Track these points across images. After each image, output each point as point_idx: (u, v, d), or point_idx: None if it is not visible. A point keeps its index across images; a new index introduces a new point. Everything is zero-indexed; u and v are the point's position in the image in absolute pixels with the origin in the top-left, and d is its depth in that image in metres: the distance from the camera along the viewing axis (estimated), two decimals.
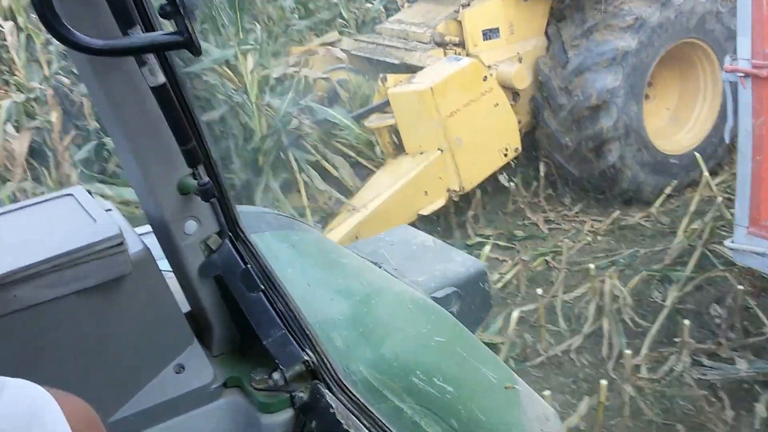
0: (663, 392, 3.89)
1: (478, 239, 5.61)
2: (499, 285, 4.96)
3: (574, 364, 4.23)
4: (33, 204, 1.53)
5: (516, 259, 5.28)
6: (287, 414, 1.45)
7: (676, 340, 4.11)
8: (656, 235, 5.42)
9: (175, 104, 1.26)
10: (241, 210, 1.57)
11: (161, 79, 1.22)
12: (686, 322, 3.99)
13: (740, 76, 3.75)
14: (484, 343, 3.78)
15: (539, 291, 4.43)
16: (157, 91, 1.23)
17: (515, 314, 4.25)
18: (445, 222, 5.71)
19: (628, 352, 3.92)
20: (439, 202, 5.34)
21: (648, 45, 5.42)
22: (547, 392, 3.59)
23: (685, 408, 3.78)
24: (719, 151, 5.97)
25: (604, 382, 3.49)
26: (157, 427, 1.44)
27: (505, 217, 5.96)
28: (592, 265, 4.64)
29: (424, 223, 5.26)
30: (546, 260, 5.30)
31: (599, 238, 5.54)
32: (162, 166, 1.37)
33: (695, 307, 4.45)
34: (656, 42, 5.46)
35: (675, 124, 6.16)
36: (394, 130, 5.57)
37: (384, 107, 5.66)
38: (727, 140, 4.40)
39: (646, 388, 3.91)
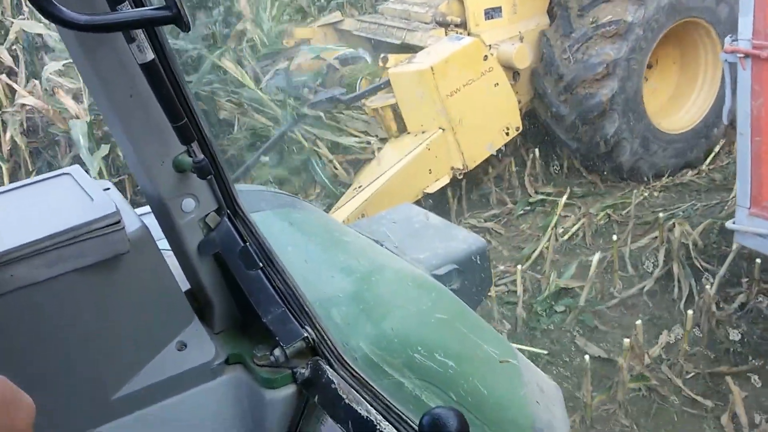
0: (738, 324, 4.17)
1: (540, 196, 5.86)
2: (566, 237, 5.30)
3: (647, 305, 4.54)
4: (30, 183, 1.52)
5: (579, 214, 5.50)
6: (290, 389, 1.46)
7: (745, 280, 4.36)
8: (710, 191, 5.65)
9: (165, 81, 1.24)
10: (241, 189, 1.56)
11: (150, 55, 1.20)
12: (758, 260, 4.20)
13: (740, 57, 3.73)
14: (560, 288, 3.84)
15: (614, 237, 4.83)
16: (147, 68, 1.21)
17: (596, 258, 4.66)
18: (508, 182, 5.99)
19: (708, 288, 4.21)
20: (444, 180, 5.33)
21: (652, 21, 5.38)
22: (638, 321, 4.01)
23: (761, 337, 4.05)
24: (717, 131, 5.98)
25: (690, 312, 3.92)
26: (161, 404, 1.44)
27: (562, 177, 6.16)
28: (661, 214, 5.02)
29: (491, 182, 5.73)
30: (608, 214, 5.51)
31: (656, 194, 5.78)
32: (156, 144, 1.36)
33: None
34: (660, 19, 5.42)
35: (675, 103, 6.13)
36: (395, 109, 5.56)
37: (380, 88, 5.64)
38: (725, 121, 4.39)
39: (722, 319, 4.21)
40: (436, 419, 0.84)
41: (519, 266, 4.78)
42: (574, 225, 5.42)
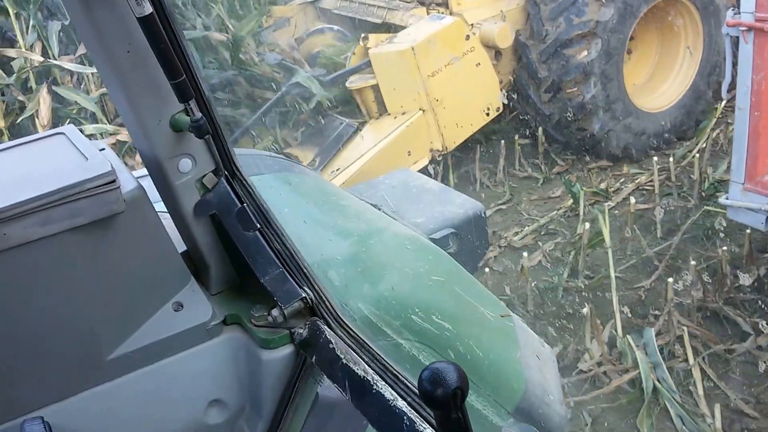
0: None
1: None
2: None
3: None
4: (24, 143, 1.49)
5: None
6: (287, 350, 1.46)
7: None
8: None
9: (163, 36, 1.22)
10: (240, 152, 1.55)
11: (148, 8, 1.17)
12: None
13: (743, 30, 3.70)
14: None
15: None
16: (144, 21, 1.19)
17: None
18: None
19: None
20: (423, 162, 5.33)
21: None
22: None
23: None
24: (699, 106, 6.05)
25: None
26: (158, 364, 1.44)
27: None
28: None
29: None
30: None
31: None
32: (153, 102, 1.34)
33: None
34: None
35: (654, 80, 6.18)
36: (376, 90, 5.53)
37: (360, 69, 5.61)
38: (723, 97, 4.38)
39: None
40: (436, 373, 0.85)
41: None
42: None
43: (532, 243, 5.13)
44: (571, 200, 5.40)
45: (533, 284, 4.52)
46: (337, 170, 5.11)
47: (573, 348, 4.02)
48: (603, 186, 5.65)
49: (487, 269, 4.60)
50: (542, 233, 5.27)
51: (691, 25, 5.91)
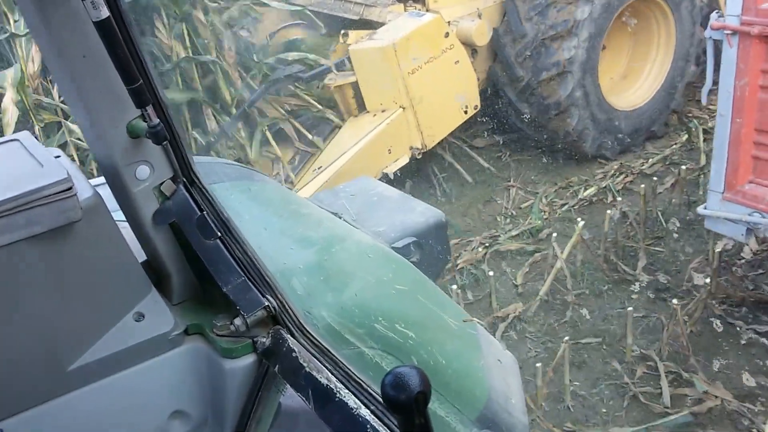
0: None
1: None
2: None
3: None
4: None
5: None
6: (250, 359, 1.44)
7: None
8: None
9: (120, 41, 1.20)
10: (200, 161, 1.53)
11: (105, 12, 1.15)
12: None
13: (727, 34, 3.59)
14: None
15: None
16: (101, 26, 1.17)
17: None
18: None
19: None
20: (403, 160, 5.33)
21: None
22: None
23: None
24: (669, 107, 6.10)
25: None
26: (119, 375, 1.42)
27: None
28: None
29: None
30: None
31: None
32: (109, 107, 1.32)
33: None
34: None
35: (627, 80, 6.21)
36: (356, 87, 5.51)
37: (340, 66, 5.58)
38: (703, 101, 4.30)
39: None
40: (399, 377, 0.85)
41: None
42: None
43: None
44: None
45: None
46: (319, 168, 5.09)
47: None
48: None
49: None
50: None
51: (664, 25, 5.95)
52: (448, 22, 5.44)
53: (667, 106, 6.11)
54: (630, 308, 3.91)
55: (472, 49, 5.69)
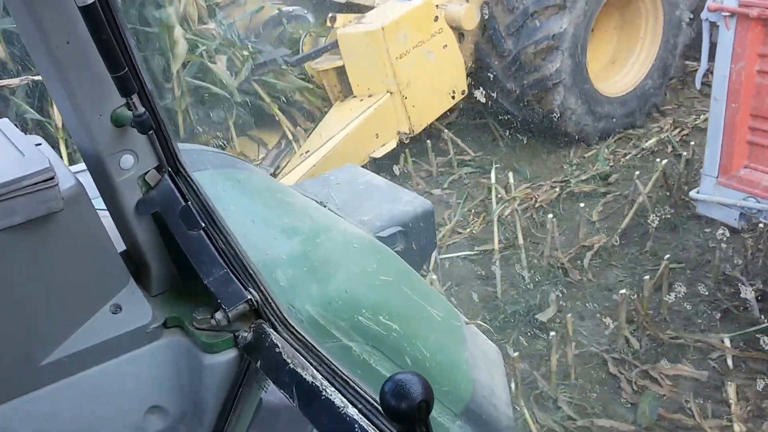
0: None
1: None
2: None
3: None
4: None
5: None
6: (231, 354, 1.42)
7: None
8: None
9: (105, 27, 1.17)
10: (183, 148, 1.50)
11: None
12: None
13: (724, 16, 3.52)
14: None
15: None
16: (86, 11, 1.14)
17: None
18: None
19: None
20: (391, 145, 5.31)
21: None
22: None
23: None
24: (657, 93, 6.13)
25: None
26: (95, 369, 1.39)
27: None
28: None
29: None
30: None
31: None
32: (93, 96, 1.29)
33: None
34: None
35: (614, 66, 6.21)
36: (342, 72, 5.47)
37: (326, 50, 5.53)
38: (697, 86, 4.26)
39: None
40: (400, 385, 0.81)
41: None
42: None
43: None
44: None
45: None
46: (306, 153, 5.06)
47: None
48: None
49: None
50: None
51: (652, 10, 5.94)
52: (437, 5, 5.40)
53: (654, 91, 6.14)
54: (720, 231, 4.23)
55: (459, 34, 5.65)
